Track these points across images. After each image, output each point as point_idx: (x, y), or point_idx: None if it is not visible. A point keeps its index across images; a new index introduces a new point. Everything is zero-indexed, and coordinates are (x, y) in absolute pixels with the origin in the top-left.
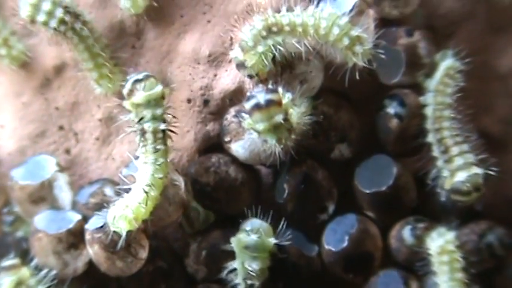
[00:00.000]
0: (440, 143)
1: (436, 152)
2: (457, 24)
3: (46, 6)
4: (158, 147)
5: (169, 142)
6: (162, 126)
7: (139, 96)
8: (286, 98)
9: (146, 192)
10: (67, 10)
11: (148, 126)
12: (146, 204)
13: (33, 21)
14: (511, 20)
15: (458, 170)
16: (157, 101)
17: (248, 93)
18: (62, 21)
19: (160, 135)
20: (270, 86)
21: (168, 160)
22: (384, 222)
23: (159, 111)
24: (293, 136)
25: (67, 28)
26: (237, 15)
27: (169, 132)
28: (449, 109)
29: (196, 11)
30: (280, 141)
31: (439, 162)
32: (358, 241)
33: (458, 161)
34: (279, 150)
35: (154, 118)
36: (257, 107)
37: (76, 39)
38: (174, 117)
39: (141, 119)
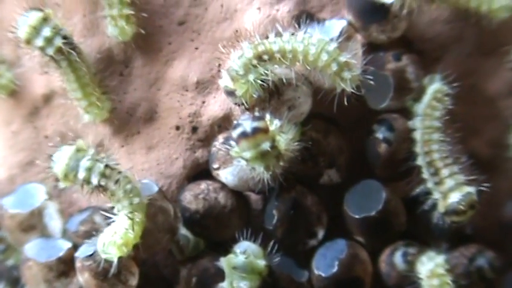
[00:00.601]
0: (430, 165)
1: (426, 174)
2: (445, 47)
3: (46, 32)
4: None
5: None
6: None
7: None
8: (274, 125)
9: (131, 218)
10: (66, 40)
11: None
12: (133, 229)
13: (29, 43)
14: (499, 43)
15: (450, 191)
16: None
17: (235, 122)
18: (59, 50)
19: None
20: (256, 114)
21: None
22: (374, 247)
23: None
24: (281, 163)
25: (63, 58)
26: (225, 41)
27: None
28: (438, 132)
29: (184, 38)
30: (268, 168)
31: (430, 185)
32: (348, 266)
33: (449, 183)
34: (268, 177)
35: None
36: (243, 135)
37: (69, 69)
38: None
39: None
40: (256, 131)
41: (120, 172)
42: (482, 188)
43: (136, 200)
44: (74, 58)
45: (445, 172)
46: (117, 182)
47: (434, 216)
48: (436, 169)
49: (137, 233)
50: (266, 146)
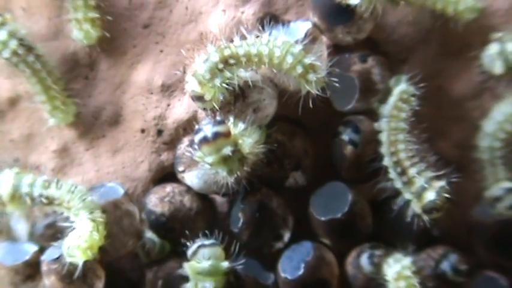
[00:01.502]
0: (396, 165)
1: (393, 174)
2: (411, 49)
3: (1, 35)
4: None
5: None
6: None
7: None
8: (237, 128)
9: (93, 220)
10: (21, 43)
11: None
12: (98, 231)
13: None
14: (465, 44)
15: (423, 190)
16: None
17: (196, 126)
18: (15, 53)
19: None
20: (217, 118)
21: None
22: (340, 249)
23: None
24: (245, 166)
25: (19, 60)
26: (190, 44)
27: None
28: (404, 133)
29: (149, 41)
30: (231, 172)
31: (398, 185)
32: (314, 268)
33: (419, 182)
34: (231, 180)
35: None
36: (204, 140)
37: (28, 72)
38: None
39: None
40: (217, 135)
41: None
42: (452, 180)
43: (88, 200)
44: (31, 60)
45: (412, 171)
46: (59, 188)
47: (406, 216)
48: (403, 168)
49: (101, 235)
50: (227, 150)
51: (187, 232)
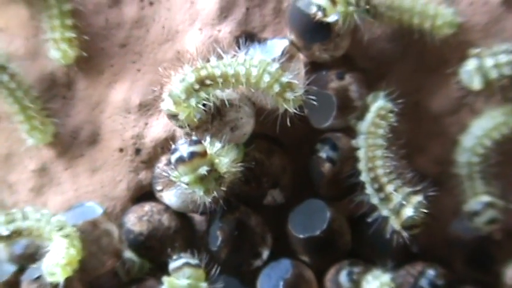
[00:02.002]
0: (374, 181)
1: (369, 190)
2: (388, 65)
3: None
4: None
5: None
6: None
7: None
8: (213, 147)
9: (65, 236)
10: None
11: None
12: (73, 246)
13: None
14: (443, 60)
15: (402, 207)
16: None
17: (173, 146)
18: None
19: None
20: (193, 138)
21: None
22: (319, 267)
23: None
24: (222, 186)
25: None
26: (167, 63)
27: None
28: (382, 149)
29: (126, 60)
30: (208, 191)
31: (375, 201)
32: (293, 286)
33: (396, 198)
34: (209, 200)
35: None
36: (180, 160)
37: (4, 93)
38: None
39: None
40: (193, 155)
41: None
42: (429, 195)
43: (55, 220)
44: (6, 80)
45: (389, 188)
46: (25, 218)
47: (385, 233)
48: (381, 185)
49: (78, 249)
50: (203, 170)
51: (166, 251)
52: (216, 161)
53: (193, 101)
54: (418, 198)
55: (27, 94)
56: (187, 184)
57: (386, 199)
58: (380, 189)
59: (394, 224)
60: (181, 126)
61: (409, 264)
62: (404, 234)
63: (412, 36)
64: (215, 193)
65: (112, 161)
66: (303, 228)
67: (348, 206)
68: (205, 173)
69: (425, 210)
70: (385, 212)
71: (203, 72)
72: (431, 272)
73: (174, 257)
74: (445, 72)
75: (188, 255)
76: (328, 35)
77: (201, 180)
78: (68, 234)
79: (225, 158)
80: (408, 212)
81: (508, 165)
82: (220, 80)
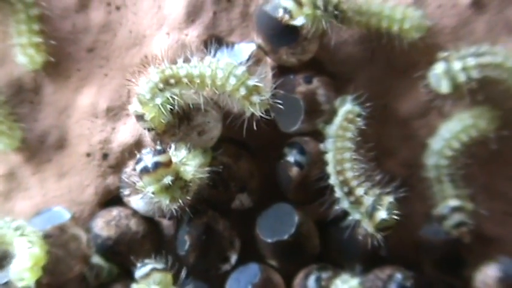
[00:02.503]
0: (343, 184)
1: (339, 193)
2: (356, 69)
3: None
4: None
5: None
6: None
7: None
8: (179, 155)
9: (23, 235)
10: None
11: None
12: (34, 243)
13: None
14: (411, 63)
15: (374, 210)
16: None
17: (137, 156)
18: None
19: None
20: (158, 147)
21: None
22: (287, 271)
23: None
24: (187, 193)
25: None
26: (134, 67)
27: None
28: (350, 151)
29: (93, 64)
30: (173, 200)
31: (345, 205)
32: None
33: (367, 201)
34: (175, 207)
35: None
36: (145, 170)
37: None
38: None
39: None
40: (157, 165)
41: None
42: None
43: (7, 225)
44: None
45: (359, 191)
46: None
47: (354, 237)
48: (350, 188)
49: (41, 246)
50: (168, 180)
51: (133, 255)
52: (181, 169)
53: (158, 101)
54: (389, 199)
55: None
56: (152, 193)
57: (356, 202)
58: (350, 192)
59: (368, 227)
60: (149, 129)
61: (378, 268)
62: (378, 236)
63: (380, 40)
64: (180, 201)
65: (79, 166)
66: (271, 232)
67: (316, 210)
68: (170, 182)
69: (397, 212)
70: (356, 216)
71: (168, 72)
72: (398, 276)
73: (139, 264)
74: (413, 75)
75: (153, 260)
76: (296, 38)
77: (166, 189)
78: (25, 233)
79: (190, 165)
80: (382, 214)
81: (477, 168)
82: (185, 80)
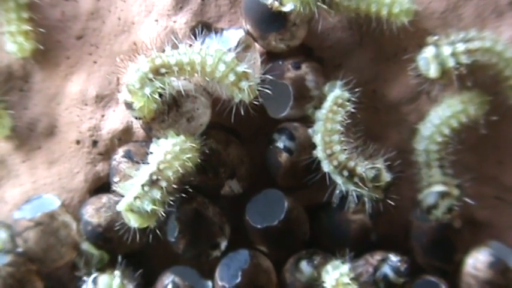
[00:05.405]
0: (344, 168)
1: (339, 180)
2: (345, 54)
3: None
4: None
5: None
6: None
7: None
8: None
9: None
10: None
11: None
12: None
13: None
14: (401, 48)
15: (378, 175)
16: None
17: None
18: None
19: None
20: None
21: None
22: (277, 257)
23: None
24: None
25: None
26: (123, 54)
27: None
28: (339, 134)
29: (82, 52)
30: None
31: (348, 186)
32: (252, 276)
33: (361, 169)
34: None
35: None
36: None
37: None
38: None
39: None
40: None
41: None
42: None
43: None
44: None
45: (351, 163)
46: None
47: (343, 223)
48: (340, 163)
49: None
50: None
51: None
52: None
53: (147, 90)
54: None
55: None
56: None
57: (351, 175)
58: (341, 167)
59: (376, 194)
60: (138, 118)
61: (369, 254)
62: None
63: (369, 24)
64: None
65: (69, 153)
66: (260, 218)
67: (306, 195)
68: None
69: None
70: (351, 187)
71: (158, 61)
72: (392, 258)
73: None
74: (402, 60)
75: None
76: (284, 24)
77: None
78: None
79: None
80: (386, 175)
81: (467, 152)
82: (175, 69)
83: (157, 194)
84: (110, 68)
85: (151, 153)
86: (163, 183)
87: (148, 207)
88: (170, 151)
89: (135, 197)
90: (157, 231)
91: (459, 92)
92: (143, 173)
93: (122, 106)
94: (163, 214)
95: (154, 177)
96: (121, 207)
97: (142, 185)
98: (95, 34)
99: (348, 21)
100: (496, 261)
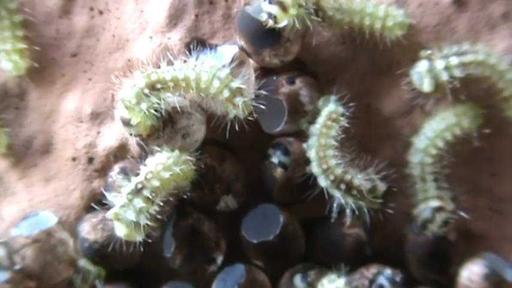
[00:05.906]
0: (341, 182)
1: (337, 193)
2: (339, 68)
3: None
4: None
5: None
6: None
7: None
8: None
9: None
10: None
11: None
12: None
13: None
14: (394, 62)
15: (374, 186)
16: None
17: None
18: None
19: None
20: None
21: None
22: (273, 271)
23: None
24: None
25: None
26: (118, 71)
27: None
28: (333, 149)
29: (77, 69)
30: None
31: (346, 199)
32: None
33: (366, 184)
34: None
35: None
36: None
37: None
38: None
39: None
40: None
41: None
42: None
43: None
44: None
45: (347, 176)
46: None
47: (338, 237)
48: (336, 176)
49: None
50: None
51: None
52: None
53: (144, 106)
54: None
55: None
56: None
57: (348, 188)
58: (349, 187)
59: (374, 205)
60: (134, 135)
61: (364, 267)
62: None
63: (362, 38)
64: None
65: (65, 170)
66: (256, 233)
67: (301, 210)
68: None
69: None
70: (360, 203)
71: (153, 77)
72: (387, 270)
73: None
74: (396, 74)
75: None
76: (278, 40)
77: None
78: None
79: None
80: (381, 186)
81: (461, 165)
82: (171, 84)
83: (138, 203)
84: (104, 85)
85: (145, 165)
86: (147, 193)
87: (131, 216)
88: (162, 163)
89: (121, 205)
90: (154, 247)
91: (453, 105)
92: (131, 182)
93: (117, 123)
94: (151, 226)
95: (139, 185)
96: (109, 215)
97: (128, 194)
98: (89, 51)
99: (341, 36)
100: (491, 273)
